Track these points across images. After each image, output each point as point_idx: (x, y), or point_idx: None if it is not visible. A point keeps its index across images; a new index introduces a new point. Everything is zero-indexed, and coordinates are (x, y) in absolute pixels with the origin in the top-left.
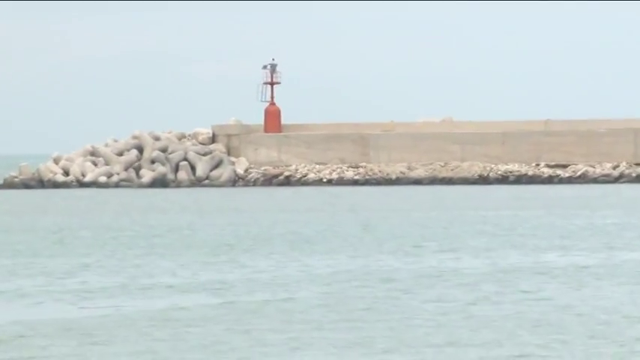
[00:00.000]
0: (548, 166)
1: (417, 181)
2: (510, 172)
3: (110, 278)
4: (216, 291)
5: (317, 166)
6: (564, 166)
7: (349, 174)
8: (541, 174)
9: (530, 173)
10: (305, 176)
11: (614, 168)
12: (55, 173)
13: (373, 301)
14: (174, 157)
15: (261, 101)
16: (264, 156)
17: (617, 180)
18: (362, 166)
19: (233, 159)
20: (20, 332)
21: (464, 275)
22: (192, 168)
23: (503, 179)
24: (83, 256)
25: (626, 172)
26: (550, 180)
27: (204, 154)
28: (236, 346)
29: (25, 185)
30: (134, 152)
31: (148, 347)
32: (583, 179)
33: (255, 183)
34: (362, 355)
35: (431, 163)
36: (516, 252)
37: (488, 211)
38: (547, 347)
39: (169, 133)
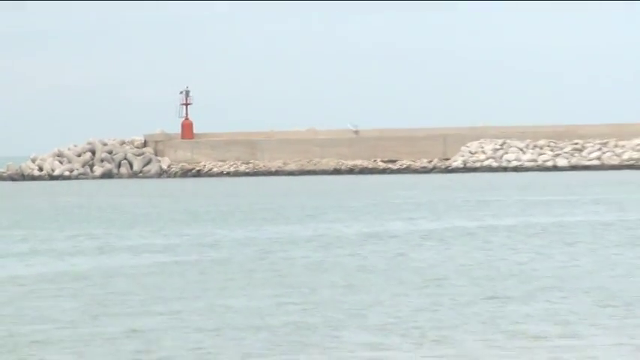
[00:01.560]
0: (382, 161)
1: (290, 173)
2: (356, 165)
3: (82, 243)
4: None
5: (219, 162)
6: (394, 161)
7: (242, 168)
8: (378, 167)
9: (370, 167)
10: (210, 170)
11: (429, 162)
12: (33, 169)
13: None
14: (117, 157)
15: (179, 117)
16: (181, 156)
17: (431, 171)
18: (251, 163)
19: (159, 158)
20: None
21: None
22: (130, 165)
23: (351, 171)
24: (64, 228)
25: (438, 165)
26: (384, 171)
27: (139, 155)
28: (175, 287)
29: (11, 178)
30: (89, 154)
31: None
32: (407, 170)
33: (175, 175)
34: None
35: (299, 160)
36: (362, 222)
37: (341, 195)
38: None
39: (114, 140)
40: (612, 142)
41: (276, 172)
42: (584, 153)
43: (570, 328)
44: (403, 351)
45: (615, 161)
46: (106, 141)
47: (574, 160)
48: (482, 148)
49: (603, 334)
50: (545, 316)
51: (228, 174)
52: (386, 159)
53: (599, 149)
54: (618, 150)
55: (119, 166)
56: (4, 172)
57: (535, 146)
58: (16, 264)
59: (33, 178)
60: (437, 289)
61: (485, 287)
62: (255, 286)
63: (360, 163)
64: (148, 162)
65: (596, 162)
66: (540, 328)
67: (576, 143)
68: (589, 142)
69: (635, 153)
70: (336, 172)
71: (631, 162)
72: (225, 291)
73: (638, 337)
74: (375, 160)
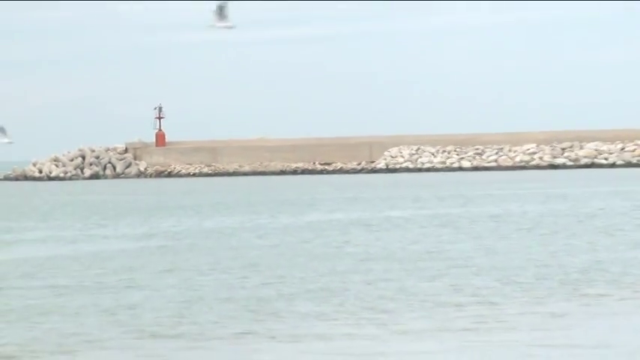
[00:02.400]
0: (320, 164)
1: (245, 174)
2: (298, 167)
3: (72, 233)
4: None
5: (187, 165)
6: (329, 164)
7: (205, 170)
8: (316, 168)
9: (310, 168)
10: (179, 172)
11: (358, 164)
12: (34, 172)
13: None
14: (103, 161)
15: (154, 129)
16: (155, 160)
17: (359, 172)
18: (213, 165)
19: (137, 162)
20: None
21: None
22: (114, 167)
23: (294, 172)
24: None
25: (365, 166)
26: (321, 172)
27: (121, 159)
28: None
29: (16, 179)
30: (80, 158)
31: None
32: (340, 171)
33: (150, 176)
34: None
35: (252, 163)
36: (314, 212)
37: (286, 190)
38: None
39: (100, 147)
40: (507, 148)
41: (234, 173)
42: (484, 156)
43: (483, 298)
44: (341, 320)
45: (509, 163)
46: (93, 148)
47: (475, 162)
48: (401, 152)
49: (511, 303)
50: (459, 290)
51: (194, 175)
52: (323, 162)
53: (496, 153)
54: (511, 154)
55: (105, 168)
56: (10, 174)
57: (444, 151)
58: (29, 248)
59: (34, 178)
60: (367, 267)
61: (406, 265)
62: (217, 264)
63: (301, 165)
64: (129, 165)
65: (493, 164)
66: (458, 300)
67: (477, 148)
68: (488, 148)
69: (525, 156)
70: (282, 173)
71: (522, 163)
72: (195, 269)
73: (539, 304)
74: (314, 163)
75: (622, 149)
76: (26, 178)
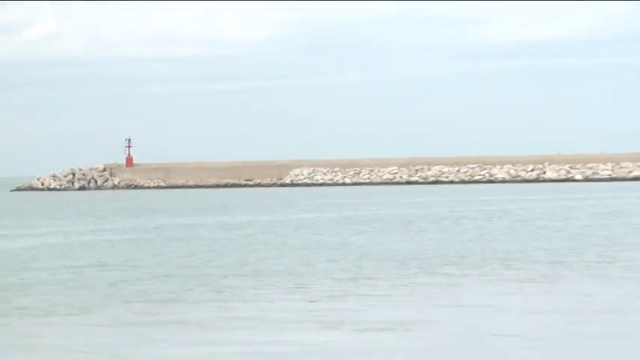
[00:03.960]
0: (244, 180)
1: (190, 187)
2: (228, 182)
3: (60, 228)
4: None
5: (148, 180)
6: (251, 180)
7: (161, 184)
8: (241, 183)
9: (237, 183)
10: (143, 185)
11: (271, 180)
12: (37, 184)
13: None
14: (88, 177)
15: (124, 154)
16: (125, 177)
17: (272, 186)
18: (168, 181)
19: (113, 178)
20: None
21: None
22: (95, 182)
23: (226, 186)
24: (59, 219)
25: (276, 182)
26: (245, 186)
27: (100, 176)
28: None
29: (25, 189)
30: (71, 175)
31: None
32: (259, 185)
33: (122, 188)
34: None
35: (195, 179)
36: (245, 215)
37: (219, 198)
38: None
39: (85, 167)
40: (377, 169)
41: (182, 187)
42: (360, 175)
43: (360, 274)
44: (277, 291)
45: (378, 180)
46: (81, 167)
47: (354, 180)
48: (302, 172)
49: (384, 281)
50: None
51: (154, 187)
52: (246, 178)
53: (369, 173)
54: (380, 174)
55: (89, 182)
56: (21, 186)
57: (332, 171)
58: (34, 239)
59: (37, 189)
60: (285, 252)
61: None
62: (177, 252)
63: (230, 181)
64: (106, 180)
65: (367, 180)
66: (343, 276)
67: (356, 170)
68: (363, 169)
69: (390, 175)
70: (217, 186)
71: (387, 180)
72: (163, 254)
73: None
74: (239, 179)
75: (458, 170)
76: (32, 189)
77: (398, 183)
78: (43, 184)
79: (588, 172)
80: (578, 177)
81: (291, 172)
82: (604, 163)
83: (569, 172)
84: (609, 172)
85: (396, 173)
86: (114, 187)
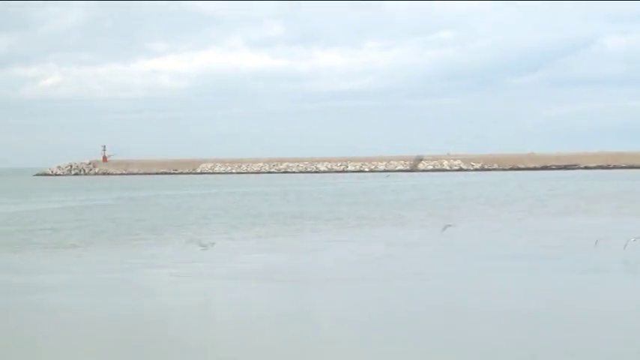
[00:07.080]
0: (173, 169)
1: (143, 174)
2: (165, 172)
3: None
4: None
5: (116, 170)
6: (177, 170)
7: (124, 172)
8: (172, 172)
9: (171, 171)
10: (113, 173)
11: (189, 171)
12: (49, 172)
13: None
14: (80, 167)
15: (102, 154)
16: (102, 168)
17: (188, 174)
18: (128, 170)
19: (95, 168)
20: None
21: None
22: (84, 171)
23: (167, 173)
24: (56, 194)
25: (191, 171)
26: (174, 173)
27: (87, 167)
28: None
29: (41, 175)
30: (69, 167)
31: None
32: (182, 174)
33: (100, 175)
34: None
35: (147, 169)
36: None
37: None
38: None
39: (78, 161)
40: (251, 163)
41: (137, 174)
42: (241, 167)
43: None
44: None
45: (252, 170)
46: (75, 162)
47: (238, 170)
48: (207, 165)
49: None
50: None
51: (119, 174)
52: (174, 169)
53: (247, 166)
54: (253, 167)
55: (81, 171)
56: (39, 173)
57: (226, 165)
58: (52, 204)
59: (49, 175)
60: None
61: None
62: (139, 213)
63: (166, 170)
64: (91, 170)
65: (245, 170)
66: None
67: (240, 164)
68: (244, 164)
69: (258, 167)
70: (156, 173)
71: (256, 170)
72: (134, 215)
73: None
74: (170, 169)
75: (297, 165)
76: (45, 174)
77: (263, 172)
78: (52, 172)
79: (363, 167)
80: (365, 169)
81: (202, 165)
82: (380, 162)
83: (363, 166)
84: (384, 167)
85: (262, 166)
86: (95, 174)
